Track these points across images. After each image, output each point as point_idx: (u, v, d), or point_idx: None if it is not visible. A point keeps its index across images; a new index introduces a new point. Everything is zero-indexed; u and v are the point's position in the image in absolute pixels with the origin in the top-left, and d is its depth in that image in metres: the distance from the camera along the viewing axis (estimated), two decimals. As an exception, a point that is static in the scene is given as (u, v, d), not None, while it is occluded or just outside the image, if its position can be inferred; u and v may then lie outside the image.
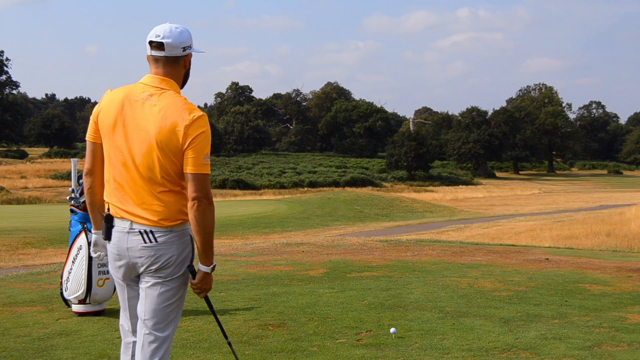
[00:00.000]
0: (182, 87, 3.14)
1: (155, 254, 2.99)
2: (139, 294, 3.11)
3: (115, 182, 3.02)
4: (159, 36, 3.01)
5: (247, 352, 4.76)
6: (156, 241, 2.99)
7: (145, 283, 3.05)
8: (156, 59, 3.05)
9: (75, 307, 5.91)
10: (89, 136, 3.12)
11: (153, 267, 3.01)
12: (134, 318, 3.16)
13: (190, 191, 2.92)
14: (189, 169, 2.92)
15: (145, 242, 2.99)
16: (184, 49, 3.05)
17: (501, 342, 4.93)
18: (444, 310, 6.01)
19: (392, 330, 5.14)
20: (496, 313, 5.89)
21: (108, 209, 3.08)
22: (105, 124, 3.03)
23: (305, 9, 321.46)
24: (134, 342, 3.16)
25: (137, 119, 2.96)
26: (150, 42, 3.03)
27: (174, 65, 3.05)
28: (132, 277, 3.12)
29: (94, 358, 4.65)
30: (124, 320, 3.22)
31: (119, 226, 3.03)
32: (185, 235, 3.05)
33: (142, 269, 3.04)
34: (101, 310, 5.97)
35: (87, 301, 5.86)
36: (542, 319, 5.66)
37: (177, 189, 3.00)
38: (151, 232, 2.98)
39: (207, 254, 2.98)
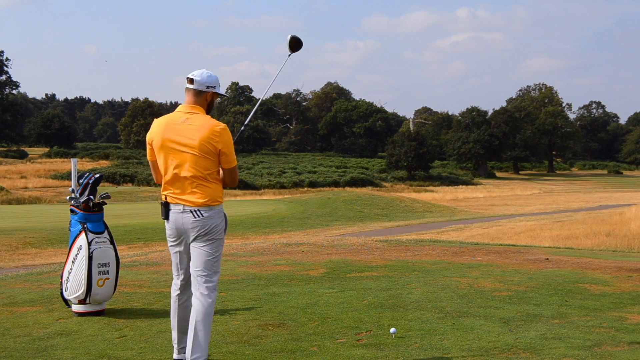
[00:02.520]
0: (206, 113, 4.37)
1: (203, 224, 4.24)
2: (188, 256, 4.38)
3: (170, 179, 4.28)
4: (194, 75, 4.35)
5: (247, 352, 4.76)
6: (202, 216, 4.24)
7: (196, 245, 4.29)
8: (188, 90, 4.35)
9: (75, 307, 5.91)
10: (149, 157, 4.43)
11: (201, 232, 4.25)
12: (186, 273, 4.43)
13: (226, 181, 4.34)
14: (224, 165, 4.27)
15: (195, 217, 4.24)
16: (208, 87, 4.33)
17: (501, 342, 4.93)
18: (444, 310, 6.00)
19: (392, 330, 5.14)
20: (496, 313, 5.88)
21: (165, 198, 4.33)
22: (157, 143, 4.30)
23: (305, 9, 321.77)
24: (178, 295, 4.47)
25: (181, 135, 4.22)
26: (187, 78, 4.36)
27: (199, 96, 4.33)
28: (185, 246, 4.37)
29: (94, 358, 4.64)
30: (176, 280, 4.49)
31: (175, 209, 4.29)
32: (221, 211, 4.34)
33: (193, 236, 4.27)
34: (101, 310, 5.96)
35: (87, 301, 5.85)
36: (542, 319, 5.66)
37: (215, 181, 4.28)
38: (198, 210, 4.24)
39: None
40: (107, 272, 5.92)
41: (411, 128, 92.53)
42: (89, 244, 5.84)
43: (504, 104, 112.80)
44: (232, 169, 4.30)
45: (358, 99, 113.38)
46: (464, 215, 31.60)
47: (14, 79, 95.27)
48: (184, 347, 4.45)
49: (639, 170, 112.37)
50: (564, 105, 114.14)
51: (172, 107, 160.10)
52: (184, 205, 4.24)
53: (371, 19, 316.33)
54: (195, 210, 4.22)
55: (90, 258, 5.82)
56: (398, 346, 4.87)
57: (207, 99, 4.35)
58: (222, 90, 4.51)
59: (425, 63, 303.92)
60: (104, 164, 70.94)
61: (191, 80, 4.32)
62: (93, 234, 5.89)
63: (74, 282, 5.85)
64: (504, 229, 21.49)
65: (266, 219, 24.51)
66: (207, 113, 4.35)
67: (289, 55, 5.17)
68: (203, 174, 4.20)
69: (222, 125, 4.21)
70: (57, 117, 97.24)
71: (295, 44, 5.19)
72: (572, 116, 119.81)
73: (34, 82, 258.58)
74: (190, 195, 4.23)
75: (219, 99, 4.59)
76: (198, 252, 4.29)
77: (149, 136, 4.34)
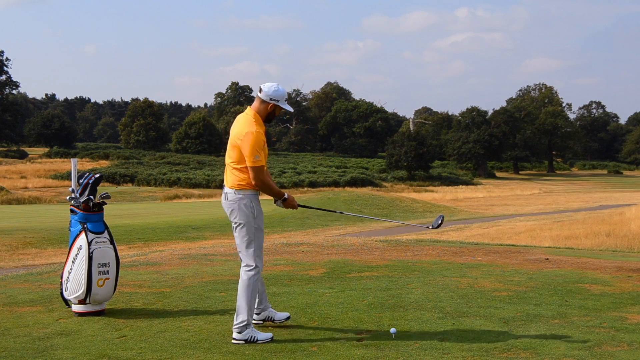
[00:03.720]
0: (267, 121, 5.20)
1: (229, 207, 5.14)
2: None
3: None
4: (263, 85, 5.17)
5: (247, 352, 4.77)
6: (228, 199, 5.14)
7: (232, 226, 5.22)
8: (256, 95, 5.22)
9: (75, 307, 5.90)
10: None
11: (229, 215, 5.15)
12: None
13: (250, 177, 5.07)
14: (246, 163, 5.03)
15: (224, 200, 5.18)
16: (271, 99, 5.13)
17: (501, 342, 4.93)
18: (444, 310, 6.01)
19: (392, 330, 5.14)
20: (496, 313, 5.89)
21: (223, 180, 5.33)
22: None
23: (304, 9, 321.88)
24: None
25: (232, 129, 5.20)
26: (259, 86, 5.22)
27: (262, 104, 5.18)
28: None
29: (94, 358, 4.65)
30: None
31: (224, 190, 5.25)
32: (245, 198, 5.09)
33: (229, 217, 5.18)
34: (101, 310, 5.96)
35: (87, 301, 5.85)
36: (542, 319, 5.66)
37: (245, 170, 5.06)
38: (227, 193, 5.14)
39: (273, 195, 5.20)
40: (107, 272, 5.92)
41: (411, 128, 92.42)
42: (89, 244, 5.83)
43: (504, 104, 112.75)
44: (251, 168, 5.02)
45: (358, 99, 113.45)
46: (464, 215, 31.60)
47: (14, 79, 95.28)
48: (258, 307, 5.41)
49: (639, 170, 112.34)
50: (564, 105, 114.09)
51: (172, 107, 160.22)
52: (225, 186, 5.21)
53: (371, 19, 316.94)
54: (226, 193, 5.15)
55: (90, 258, 5.82)
56: (398, 346, 4.87)
57: (268, 109, 5.16)
58: (265, 96, 5.11)
59: (425, 63, 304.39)
60: (104, 164, 70.91)
61: (260, 89, 5.18)
62: (93, 234, 5.88)
63: (74, 282, 5.84)
64: (504, 229, 21.49)
65: (266, 218, 24.42)
66: (268, 121, 5.19)
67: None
68: (237, 162, 5.07)
69: (249, 129, 5.01)
70: (57, 117, 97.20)
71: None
72: (572, 116, 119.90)
73: (34, 82, 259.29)
74: (227, 178, 5.18)
75: (283, 111, 5.29)
76: (234, 233, 5.20)
77: None
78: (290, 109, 5.25)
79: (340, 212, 6.08)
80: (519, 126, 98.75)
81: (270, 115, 5.18)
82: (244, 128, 5.04)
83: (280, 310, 6.01)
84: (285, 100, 5.20)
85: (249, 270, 5.09)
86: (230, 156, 5.13)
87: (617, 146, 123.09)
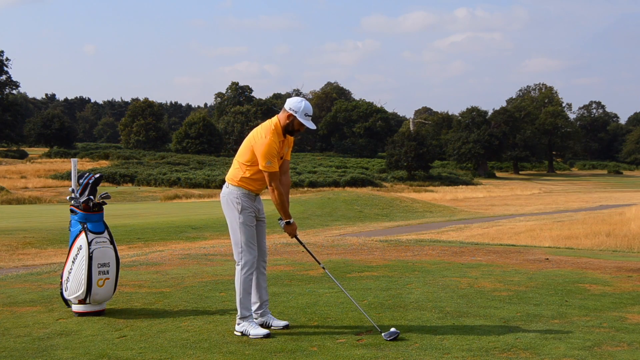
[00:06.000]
0: (287, 132, 5.33)
1: (221, 196, 5.41)
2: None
3: None
4: (290, 98, 5.38)
5: (247, 352, 4.77)
6: (222, 189, 5.43)
7: None
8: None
9: (75, 307, 5.91)
10: None
11: (222, 205, 5.41)
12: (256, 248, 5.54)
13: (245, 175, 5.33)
14: (259, 167, 5.22)
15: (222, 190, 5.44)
16: (290, 108, 5.27)
17: (501, 342, 4.93)
18: (444, 310, 6.01)
19: (392, 330, 5.14)
20: (496, 313, 5.89)
21: None
22: None
23: (303, 9, 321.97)
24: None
25: (252, 131, 5.41)
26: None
27: (282, 113, 5.34)
28: None
29: (94, 358, 4.65)
30: None
31: None
32: (234, 193, 5.31)
33: None
34: (101, 310, 5.96)
35: (87, 301, 5.86)
36: (542, 319, 5.66)
37: (244, 168, 5.29)
38: (225, 184, 5.42)
39: (281, 213, 5.43)
40: (107, 272, 5.92)
41: (411, 128, 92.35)
42: (89, 244, 5.84)
43: (504, 104, 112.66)
44: (265, 173, 5.20)
45: (358, 99, 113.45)
46: (464, 215, 31.60)
47: (14, 79, 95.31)
48: (256, 311, 5.48)
49: (639, 170, 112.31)
50: (564, 105, 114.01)
51: (172, 107, 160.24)
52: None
53: (370, 19, 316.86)
54: (225, 185, 5.43)
55: (90, 258, 5.82)
56: (398, 346, 4.87)
57: (286, 119, 5.30)
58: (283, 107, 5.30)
59: (425, 63, 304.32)
60: (104, 164, 70.88)
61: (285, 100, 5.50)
62: (93, 234, 5.89)
63: (74, 282, 5.85)
64: (504, 229, 21.49)
65: (266, 219, 24.49)
66: (288, 132, 5.32)
67: None
68: (244, 160, 5.29)
69: (265, 136, 5.19)
70: (57, 117, 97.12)
71: None
72: (572, 116, 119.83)
73: (34, 82, 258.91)
74: (229, 171, 5.45)
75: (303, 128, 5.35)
76: None
77: None
78: (311, 126, 5.27)
79: (323, 267, 5.69)
80: (519, 126, 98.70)
81: (289, 126, 5.28)
82: (260, 133, 5.24)
83: (280, 310, 6.02)
84: (307, 117, 5.25)
85: (236, 265, 5.35)
86: (239, 152, 5.36)
87: (617, 146, 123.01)
